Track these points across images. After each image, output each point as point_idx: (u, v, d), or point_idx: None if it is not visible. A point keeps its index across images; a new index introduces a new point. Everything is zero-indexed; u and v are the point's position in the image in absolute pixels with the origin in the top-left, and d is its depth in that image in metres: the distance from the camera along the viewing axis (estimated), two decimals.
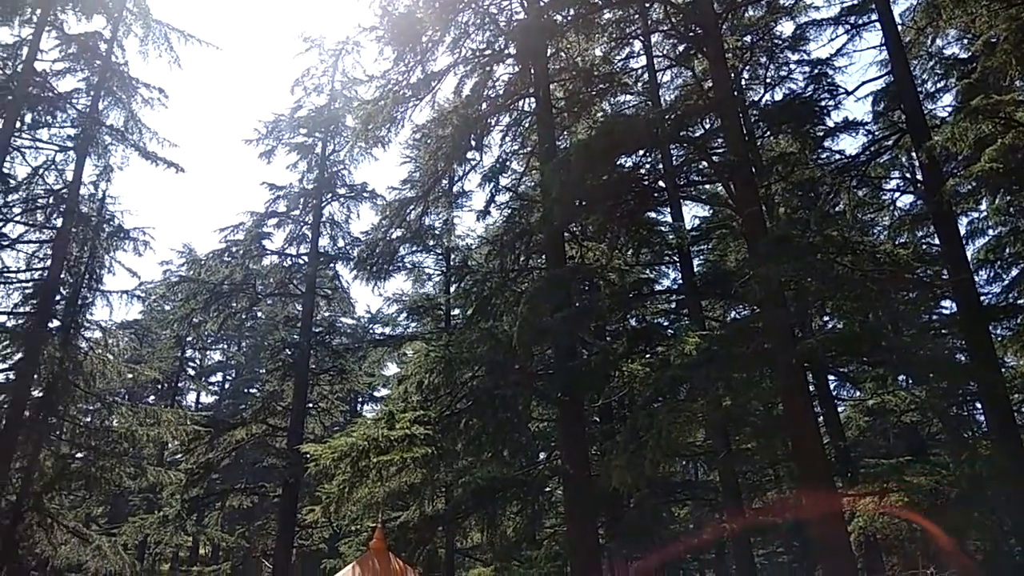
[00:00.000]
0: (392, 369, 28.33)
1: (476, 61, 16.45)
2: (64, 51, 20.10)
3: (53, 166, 19.74)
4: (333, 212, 26.12)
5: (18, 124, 18.87)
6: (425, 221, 19.08)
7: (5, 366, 18.71)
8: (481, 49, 16.53)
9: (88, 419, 20.56)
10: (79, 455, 19.68)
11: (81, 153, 19.76)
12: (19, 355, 18.50)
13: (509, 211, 18.08)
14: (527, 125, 17.35)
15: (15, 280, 19.10)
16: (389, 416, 13.50)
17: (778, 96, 15.61)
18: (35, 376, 18.44)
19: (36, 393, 18.54)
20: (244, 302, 25.59)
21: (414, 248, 23.40)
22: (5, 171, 18.69)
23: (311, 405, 24.79)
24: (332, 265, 26.26)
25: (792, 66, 15.48)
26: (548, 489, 14.77)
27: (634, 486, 10.13)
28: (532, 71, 16.25)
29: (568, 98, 16.49)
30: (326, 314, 27.89)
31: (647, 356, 13.01)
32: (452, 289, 24.02)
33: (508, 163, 17.97)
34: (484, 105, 16.60)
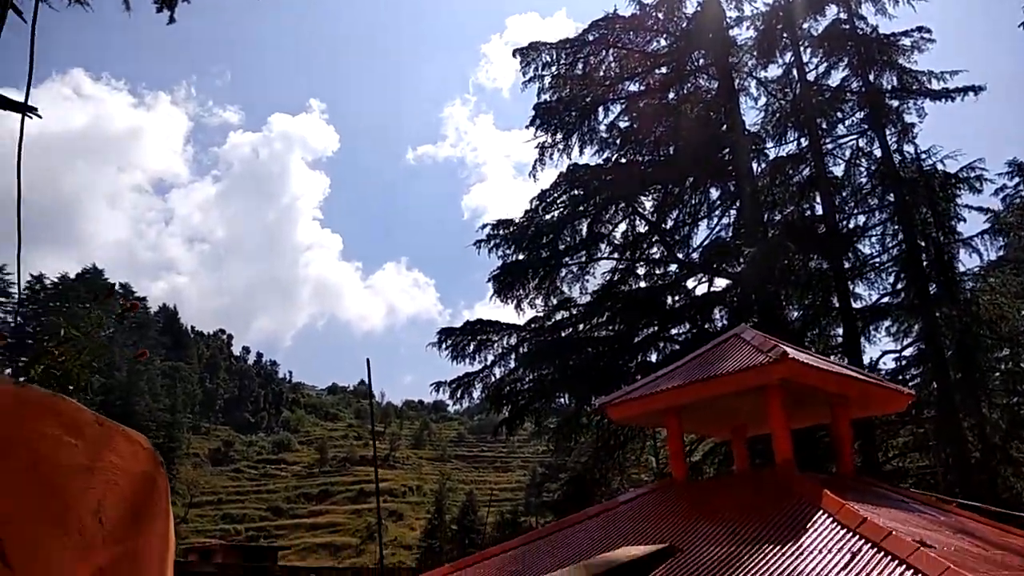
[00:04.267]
0: None
1: None
2: (823, 53, 21.37)
3: (859, 153, 20.88)
4: None
5: (819, 133, 20.73)
6: None
7: (908, 341, 20.05)
8: None
9: (1003, 366, 20.11)
10: None
11: (877, 128, 20.33)
12: (917, 326, 19.56)
13: None
14: None
15: (879, 264, 20.45)
16: None
17: None
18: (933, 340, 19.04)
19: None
20: None
21: None
22: (828, 175, 20.59)
23: None
24: None
25: None
26: None
27: None
28: None
29: None
30: None
31: None
32: None
33: None
34: None
